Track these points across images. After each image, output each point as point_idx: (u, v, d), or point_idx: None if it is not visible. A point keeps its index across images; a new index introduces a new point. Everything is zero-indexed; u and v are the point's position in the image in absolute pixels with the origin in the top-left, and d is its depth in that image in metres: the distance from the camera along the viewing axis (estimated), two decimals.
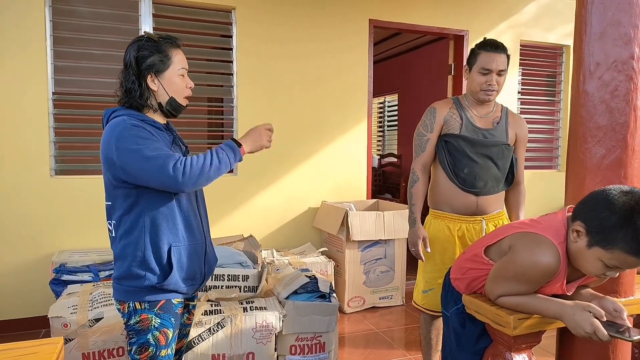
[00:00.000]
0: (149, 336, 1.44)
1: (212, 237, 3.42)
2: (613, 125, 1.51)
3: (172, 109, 1.55)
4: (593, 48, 1.53)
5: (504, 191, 2.22)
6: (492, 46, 2.08)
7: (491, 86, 2.07)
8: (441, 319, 2.14)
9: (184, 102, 1.58)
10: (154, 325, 1.45)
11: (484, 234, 2.11)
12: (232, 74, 3.67)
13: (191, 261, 1.50)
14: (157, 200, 1.44)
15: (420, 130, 2.22)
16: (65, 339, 2.23)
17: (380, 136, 8.56)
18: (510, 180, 2.22)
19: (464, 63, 2.23)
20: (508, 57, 2.12)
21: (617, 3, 1.49)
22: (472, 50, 2.15)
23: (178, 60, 1.54)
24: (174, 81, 1.53)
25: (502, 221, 2.20)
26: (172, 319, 1.48)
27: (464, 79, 2.20)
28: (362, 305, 3.65)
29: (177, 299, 1.50)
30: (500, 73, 2.08)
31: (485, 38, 2.16)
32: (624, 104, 1.50)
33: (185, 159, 1.38)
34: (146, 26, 3.38)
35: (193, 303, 1.69)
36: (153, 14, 3.41)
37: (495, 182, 2.13)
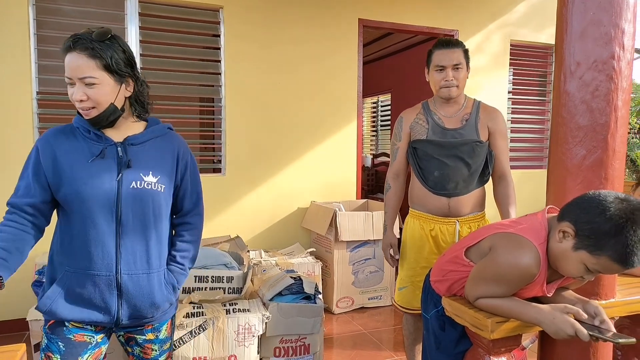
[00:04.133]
0: (42, 355, 1.35)
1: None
2: (594, 126, 1.49)
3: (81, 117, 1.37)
4: (574, 48, 1.51)
5: (479, 192, 2.17)
6: (444, 44, 2.09)
7: (448, 82, 2.07)
8: None
9: (82, 113, 1.35)
10: (43, 345, 1.36)
11: (457, 237, 2.10)
12: (220, 74, 3.64)
13: (87, 291, 1.33)
14: (63, 219, 1.37)
15: (392, 139, 2.27)
16: None
17: (373, 136, 8.54)
18: (487, 176, 2.18)
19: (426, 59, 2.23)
20: (465, 51, 2.12)
21: (597, 2, 1.47)
22: (428, 52, 2.16)
23: (65, 66, 1.32)
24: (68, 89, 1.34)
25: (480, 224, 2.17)
26: (60, 343, 1.34)
27: (426, 80, 2.24)
28: (351, 305, 3.64)
29: (74, 323, 1.35)
30: (456, 67, 2.08)
31: (439, 39, 2.18)
32: (604, 104, 1.48)
33: (6, 217, 1.33)
34: (132, 25, 3.35)
35: (143, 337, 1.48)
36: (139, 12, 3.37)
37: (466, 183, 2.10)
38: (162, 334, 1.53)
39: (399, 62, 7.29)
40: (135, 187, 1.36)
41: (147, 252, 1.40)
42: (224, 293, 2.43)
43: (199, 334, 2.18)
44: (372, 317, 3.53)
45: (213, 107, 4.07)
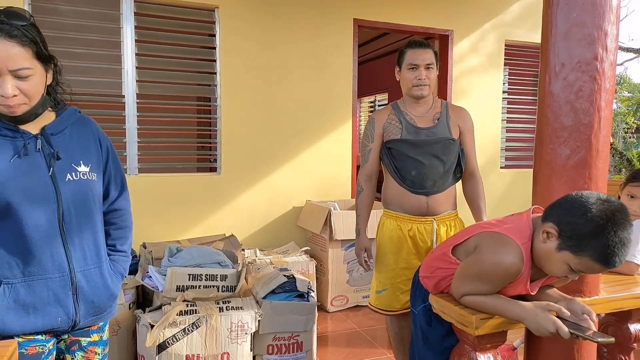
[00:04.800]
0: None
1: (192, 237, 3.39)
2: (577, 126, 1.51)
3: None
4: (558, 49, 1.53)
5: (453, 190, 2.23)
6: (417, 44, 2.16)
7: (421, 80, 2.13)
8: (407, 317, 2.15)
9: (7, 110, 1.18)
10: None
11: (434, 235, 2.14)
12: (215, 73, 3.66)
13: (39, 298, 1.23)
14: None
15: (362, 141, 2.27)
16: None
17: None
18: (459, 173, 2.24)
19: (442, 64, 2.26)
20: (435, 53, 2.19)
21: (581, 4, 1.49)
22: (400, 52, 2.22)
23: None
24: None
25: (455, 222, 2.21)
26: None
27: (397, 79, 2.28)
28: (345, 304, 3.66)
29: (23, 336, 1.24)
30: (428, 67, 2.15)
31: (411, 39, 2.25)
32: (588, 104, 1.50)
33: None
34: (128, 25, 3.37)
35: (88, 339, 1.39)
36: (135, 12, 3.39)
37: (442, 180, 2.16)
38: (105, 335, 1.45)
39: (395, 62, 7.32)
40: (71, 179, 1.27)
41: (96, 244, 1.34)
42: (218, 291, 2.45)
43: (192, 331, 2.20)
44: (366, 316, 3.55)
45: (209, 106, 4.09)
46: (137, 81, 3.44)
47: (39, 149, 1.25)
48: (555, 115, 1.54)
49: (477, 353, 1.48)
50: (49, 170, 1.24)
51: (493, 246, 1.38)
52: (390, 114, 2.21)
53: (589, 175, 1.52)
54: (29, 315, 1.23)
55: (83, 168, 1.31)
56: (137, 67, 3.43)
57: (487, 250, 1.39)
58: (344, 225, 3.50)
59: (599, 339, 1.26)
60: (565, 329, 1.26)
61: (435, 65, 2.18)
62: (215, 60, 3.65)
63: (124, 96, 3.42)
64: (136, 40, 3.42)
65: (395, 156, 2.17)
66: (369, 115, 8.46)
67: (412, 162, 2.13)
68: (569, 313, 1.33)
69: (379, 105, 8.24)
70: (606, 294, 1.60)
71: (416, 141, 2.13)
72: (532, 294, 1.45)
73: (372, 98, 8.35)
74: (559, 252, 1.29)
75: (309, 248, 3.70)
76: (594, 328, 1.34)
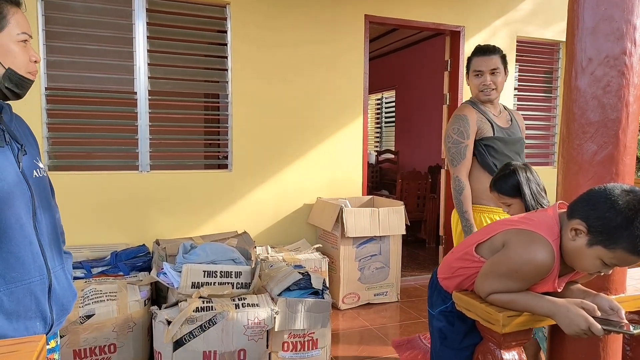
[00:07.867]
0: None
1: (204, 234, 3.39)
2: (605, 122, 1.49)
3: (13, 85, 1.15)
4: (585, 43, 1.51)
5: None
6: (482, 50, 2.28)
7: (486, 85, 2.26)
8: None
9: (28, 76, 1.18)
10: None
11: None
12: (226, 70, 3.65)
13: (22, 306, 1.12)
14: None
15: (454, 138, 2.30)
16: None
17: (377, 132, 8.55)
18: None
19: (465, 65, 2.42)
20: (502, 57, 2.30)
21: None
22: (468, 58, 2.35)
23: (17, 22, 1.14)
24: (11, 49, 1.14)
25: None
26: None
27: (467, 85, 2.46)
28: (356, 301, 3.65)
29: None
30: (494, 72, 2.27)
31: (478, 45, 2.36)
32: (615, 99, 1.48)
33: None
34: (139, 21, 3.36)
35: (47, 346, 1.28)
36: (146, 8, 3.38)
37: None
38: (59, 340, 1.37)
39: (404, 59, 7.28)
40: (37, 175, 1.20)
41: (58, 243, 1.28)
42: (233, 288, 2.44)
43: (208, 328, 2.19)
44: (378, 313, 3.54)
45: (219, 103, 4.08)
46: (148, 78, 3.43)
47: (8, 141, 1.14)
48: (582, 110, 1.52)
49: (501, 351, 1.46)
50: (19, 166, 1.15)
51: (524, 243, 1.36)
52: (477, 113, 2.32)
53: (616, 171, 1.50)
54: (12, 323, 1.12)
55: (41, 164, 1.24)
56: (149, 64, 3.42)
57: (517, 247, 1.37)
58: (356, 222, 3.49)
59: (635, 331, 1.24)
60: (598, 326, 1.25)
61: (503, 69, 2.29)
62: (226, 57, 3.64)
63: (135, 93, 3.41)
64: (148, 37, 3.41)
65: (491, 153, 2.29)
66: (376, 112, 8.44)
67: (506, 158, 2.26)
68: (599, 313, 1.31)
69: (386, 103, 8.21)
70: (633, 291, 1.58)
71: (506, 139, 2.30)
72: (558, 290, 1.43)
73: (379, 95, 8.33)
74: (590, 248, 1.28)
75: (320, 245, 3.69)
76: (625, 321, 1.32)
